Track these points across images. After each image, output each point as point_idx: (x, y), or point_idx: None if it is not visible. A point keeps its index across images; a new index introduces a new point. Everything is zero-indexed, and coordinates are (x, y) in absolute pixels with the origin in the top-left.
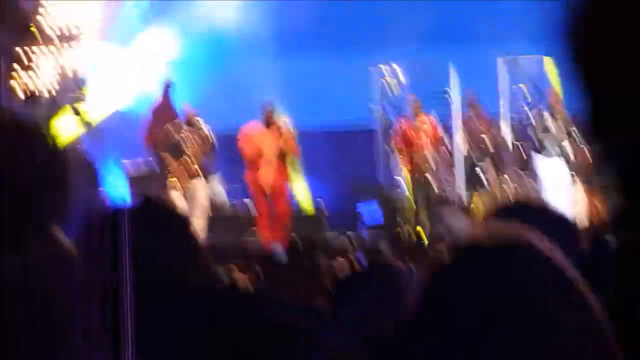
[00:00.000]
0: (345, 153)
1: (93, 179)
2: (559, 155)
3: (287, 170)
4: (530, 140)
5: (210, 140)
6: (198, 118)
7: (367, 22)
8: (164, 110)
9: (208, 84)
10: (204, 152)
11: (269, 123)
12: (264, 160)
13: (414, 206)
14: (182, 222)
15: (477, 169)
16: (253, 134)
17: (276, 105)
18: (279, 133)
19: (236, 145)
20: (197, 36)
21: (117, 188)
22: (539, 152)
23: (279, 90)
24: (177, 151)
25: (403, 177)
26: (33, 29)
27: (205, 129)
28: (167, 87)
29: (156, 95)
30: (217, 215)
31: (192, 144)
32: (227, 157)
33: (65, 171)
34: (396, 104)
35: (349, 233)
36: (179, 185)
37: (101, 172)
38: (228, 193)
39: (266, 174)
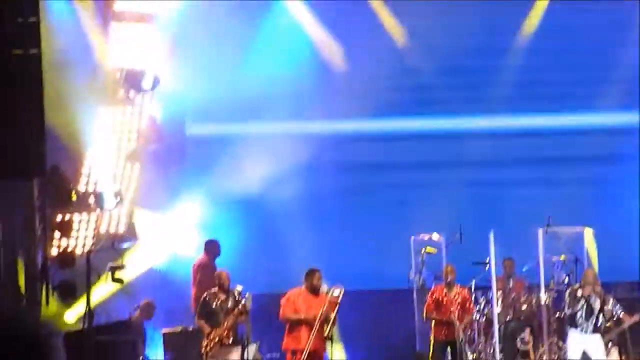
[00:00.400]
0: (381, 318)
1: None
2: (594, 330)
3: (325, 337)
4: (567, 313)
5: (247, 308)
6: (238, 288)
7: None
8: (207, 269)
9: (245, 248)
10: (240, 320)
11: (314, 289)
12: (307, 326)
13: None
14: None
15: (517, 339)
16: (297, 300)
17: (321, 271)
18: (323, 300)
19: (274, 311)
20: (230, 200)
21: (151, 345)
22: (575, 325)
23: (317, 255)
24: (213, 319)
25: (437, 345)
26: (73, 195)
27: (240, 295)
28: (209, 246)
29: (197, 255)
30: None
31: (228, 311)
32: (265, 324)
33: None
34: (434, 272)
35: None
36: (214, 353)
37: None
38: None
39: (308, 340)
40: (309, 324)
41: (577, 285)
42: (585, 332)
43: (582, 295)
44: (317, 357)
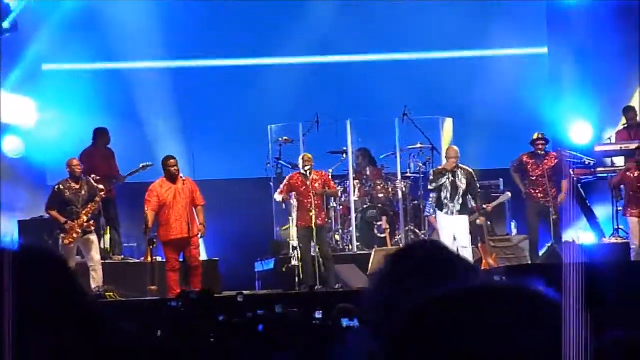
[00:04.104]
0: (239, 207)
1: None
2: (456, 212)
3: (196, 222)
4: (426, 197)
5: (103, 195)
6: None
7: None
8: (92, 157)
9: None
10: (94, 207)
11: (175, 178)
12: (175, 213)
13: (306, 260)
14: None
15: (374, 226)
16: (160, 190)
17: (175, 158)
18: (186, 186)
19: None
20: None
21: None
22: (439, 208)
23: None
24: (67, 209)
25: (295, 231)
26: None
27: (94, 184)
28: (97, 134)
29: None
30: (114, 271)
31: (84, 199)
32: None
33: None
34: (291, 162)
35: (245, 292)
36: (71, 240)
37: None
38: (126, 249)
39: (179, 227)
40: (177, 213)
41: (440, 167)
42: (452, 213)
43: (445, 173)
44: (193, 243)
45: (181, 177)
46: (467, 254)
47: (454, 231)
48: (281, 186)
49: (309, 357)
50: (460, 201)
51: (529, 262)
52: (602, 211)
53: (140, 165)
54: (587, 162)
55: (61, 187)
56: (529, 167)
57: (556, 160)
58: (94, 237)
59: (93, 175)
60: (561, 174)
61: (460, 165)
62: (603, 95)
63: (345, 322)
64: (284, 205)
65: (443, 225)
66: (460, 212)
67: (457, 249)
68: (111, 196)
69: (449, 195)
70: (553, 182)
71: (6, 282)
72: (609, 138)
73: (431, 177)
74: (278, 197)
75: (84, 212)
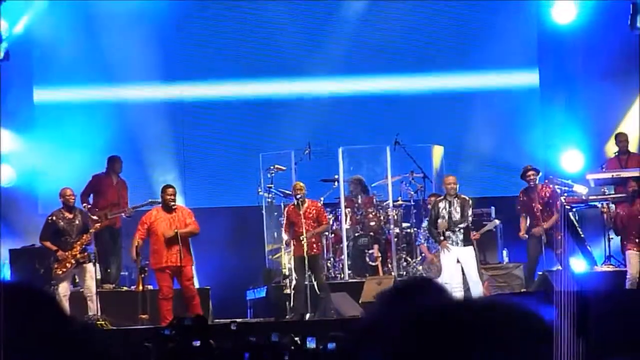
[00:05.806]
0: (232, 236)
1: None
2: (460, 241)
3: (190, 250)
4: (418, 226)
5: (98, 227)
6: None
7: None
8: (102, 185)
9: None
10: (88, 238)
11: (169, 207)
12: (168, 244)
13: (300, 289)
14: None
15: (366, 254)
16: (154, 219)
17: (174, 187)
18: (180, 215)
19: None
20: None
21: None
22: (434, 239)
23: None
24: (61, 239)
25: (290, 261)
26: None
27: (88, 214)
28: (109, 162)
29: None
30: (105, 300)
31: (77, 229)
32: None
33: None
34: (283, 190)
35: (238, 320)
36: (64, 270)
37: None
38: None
39: (170, 256)
40: (170, 241)
41: (441, 196)
42: (456, 244)
43: (444, 206)
44: (187, 272)
45: (175, 206)
46: (479, 289)
47: (462, 262)
48: (284, 224)
49: None
50: (462, 231)
51: (523, 289)
52: (594, 239)
53: (149, 200)
54: (578, 191)
55: (54, 217)
56: (528, 202)
57: (550, 190)
58: (90, 266)
59: (85, 204)
60: (554, 204)
61: (458, 194)
62: (594, 122)
63: (329, 346)
64: (275, 234)
65: (447, 255)
66: (465, 243)
67: (461, 281)
68: (115, 227)
69: (447, 225)
70: (548, 212)
71: None
72: (602, 166)
73: (430, 207)
74: (285, 236)
75: (78, 242)
